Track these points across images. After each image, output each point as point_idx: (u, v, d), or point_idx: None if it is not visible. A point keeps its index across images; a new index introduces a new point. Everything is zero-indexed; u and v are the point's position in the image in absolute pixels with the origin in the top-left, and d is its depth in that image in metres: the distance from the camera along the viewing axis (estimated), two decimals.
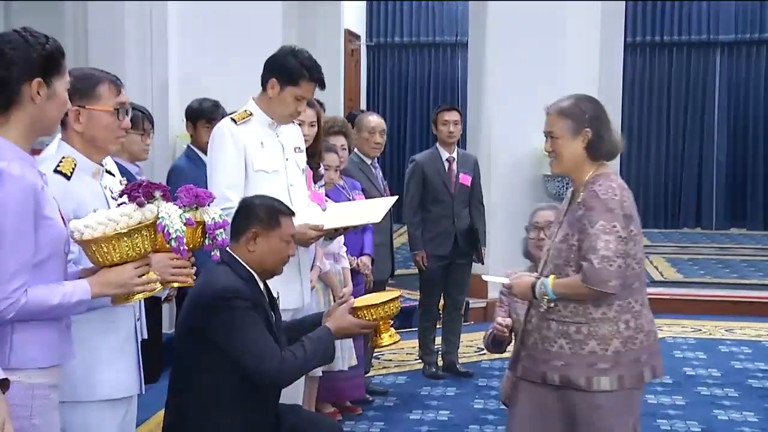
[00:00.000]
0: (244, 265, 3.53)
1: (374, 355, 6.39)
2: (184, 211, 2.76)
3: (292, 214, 3.67)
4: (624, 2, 9.45)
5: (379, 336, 3.68)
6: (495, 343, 4.21)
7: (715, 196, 13.66)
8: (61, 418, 2.69)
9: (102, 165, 3.04)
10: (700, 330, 7.95)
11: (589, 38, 8.35)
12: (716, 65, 13.59)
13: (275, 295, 3.71)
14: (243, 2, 6.89)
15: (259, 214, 3.55)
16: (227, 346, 3.36)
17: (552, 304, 3.30)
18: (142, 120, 4.62)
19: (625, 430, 3.33)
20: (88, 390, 2.92)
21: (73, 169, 2.91)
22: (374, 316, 3.57)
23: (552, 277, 3.30)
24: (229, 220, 3.28)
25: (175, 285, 2.91)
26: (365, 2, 14.10)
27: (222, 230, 2.86)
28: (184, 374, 3.50)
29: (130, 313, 3.06)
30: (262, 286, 3.60)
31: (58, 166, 2.89)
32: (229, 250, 3.52)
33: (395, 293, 3.72)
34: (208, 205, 2.88)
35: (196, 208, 2.81)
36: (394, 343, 3.73)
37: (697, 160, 13.66)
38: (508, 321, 4.10)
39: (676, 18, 13.59)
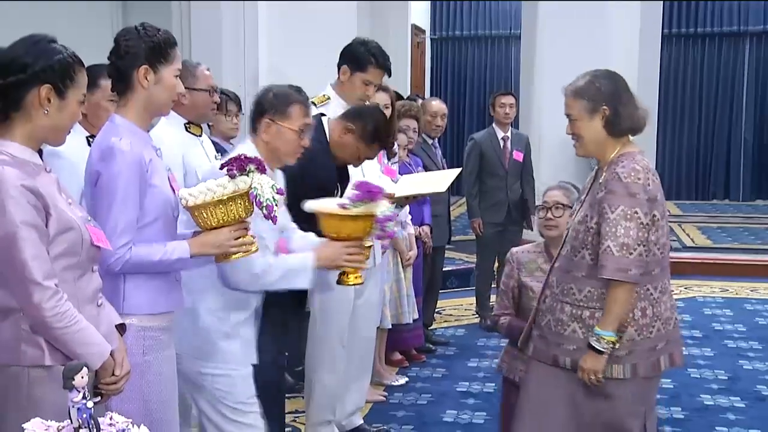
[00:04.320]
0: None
1: (436, 309, 6.39)
2: (357, 205, 2.77)
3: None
4: None
5: (347, 275, 3.39)
6: (511, 339, 3.47)
7: (742, 171, 13.38)
8: (183, 368, 2.76)
9: (274, 171, 3.08)
10: (728, 290, 7.78)
11: (630, 30, 8.18)
12: (745, 53, 13.26)
13: None
14: (323, 4, 6.90)
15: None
16: None
17: (582, 294, 2.78)
18: (226, 102, 4.57)
19: (633, 420, 2.83)
20: (208, 356, 2.97)
21: None
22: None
23: (596, 326, 2.75)
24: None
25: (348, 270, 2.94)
26: (430, 0, 13.99)
27: (391, 222, 2.85)
28: None
29: (258, 295, 3.10)
30: None
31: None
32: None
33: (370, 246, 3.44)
34: (380, 199, 2.85)
35: (369, 202, 2.81)
36: (357, 284, 3.32)
37: (726, 138, 13.38)
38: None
39: (708, 10, 13.26)
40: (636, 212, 2.65)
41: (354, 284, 3.39)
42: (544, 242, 3.50)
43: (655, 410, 2.96)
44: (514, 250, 3.59)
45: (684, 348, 5.74)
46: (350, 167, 4.01)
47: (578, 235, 2.80)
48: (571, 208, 3.27)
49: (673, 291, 2.92)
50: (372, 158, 3.92)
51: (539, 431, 2.92)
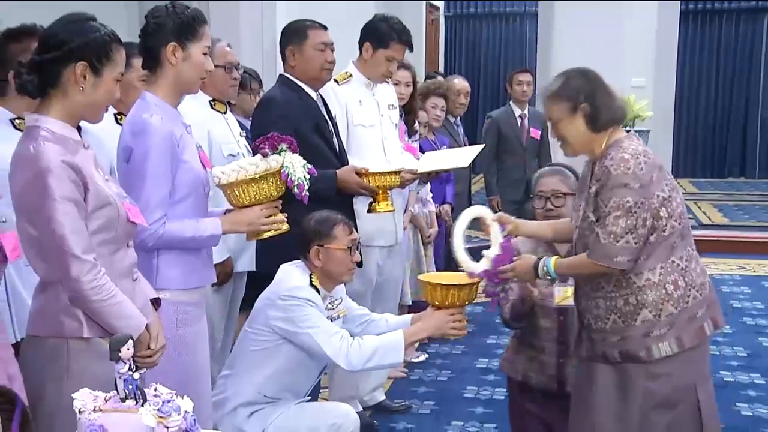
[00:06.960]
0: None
1: None
2: None
3: None
4: None
5: (377, 203, 3.66)
6: (516, 317, 3.46)
7: (759, 148, 13.32)
8: None
9: (331, 292, 3.21)
10: (745, 268, 7.79)
11: (648, 6, 8.14)
12: (763, 30, 13.17)
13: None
14: None
15: None
16: None
17: (600, 283, 2.80)
18: (250, 81, 4.58)
19: (685, 396, 2.80)
20: None
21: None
22: (375, 184, 3.60)
23: (554, 258, 2.88)
24: None
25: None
26: None
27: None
28: None
29: None
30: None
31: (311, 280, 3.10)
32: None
33: (399, 171, 3.73)
34: None
35: None
36: (387, 211, 3.72)
37: (743, 116, 13.35)
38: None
39: None
40: (627, 201, 2.65)
41: (385, 211, 3.69)
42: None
43: (710, 383, 2.90)
44: (513, 240, 3.44)
45: None
46: (370, 139, 4.04)
47: (584, 233, 2.81)
48: (573, 194, 3.20)
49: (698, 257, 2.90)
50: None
51: (594, 428, 2.86)
